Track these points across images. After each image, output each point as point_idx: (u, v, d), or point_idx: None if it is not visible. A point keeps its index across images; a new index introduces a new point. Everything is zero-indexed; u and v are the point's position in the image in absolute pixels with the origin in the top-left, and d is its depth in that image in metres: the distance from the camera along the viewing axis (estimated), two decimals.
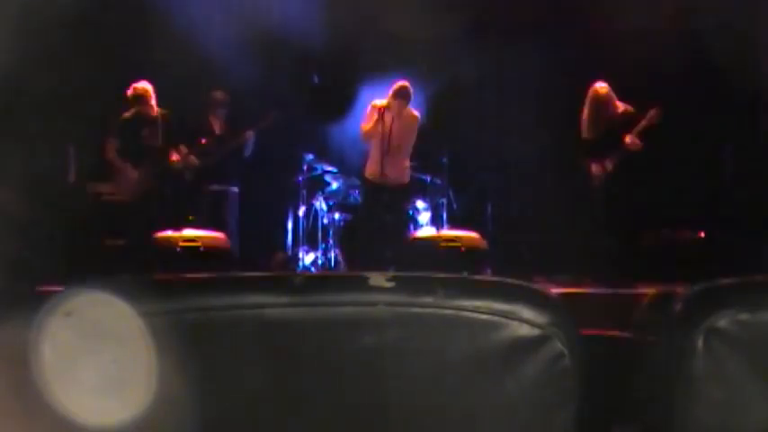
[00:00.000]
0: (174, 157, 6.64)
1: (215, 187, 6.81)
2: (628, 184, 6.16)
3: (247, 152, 6.84)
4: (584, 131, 6.28)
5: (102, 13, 7.30)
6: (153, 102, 6.49)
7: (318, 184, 7.24)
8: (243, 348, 0.84)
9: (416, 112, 6.62)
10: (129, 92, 6.46)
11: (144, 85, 6.46)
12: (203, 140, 6.77)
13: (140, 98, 6.44)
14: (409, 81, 6.51)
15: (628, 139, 6.02)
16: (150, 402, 0.80)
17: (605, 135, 6.17)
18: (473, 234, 6.41)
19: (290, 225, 7.18)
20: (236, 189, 6.91)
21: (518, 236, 7.47)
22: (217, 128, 6.90)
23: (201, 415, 0.83)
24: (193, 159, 6.73)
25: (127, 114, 6.55)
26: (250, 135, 6.75)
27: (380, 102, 6.42)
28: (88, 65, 7.07)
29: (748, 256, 6.41)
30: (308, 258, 7.03)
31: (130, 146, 6.56)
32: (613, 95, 6.17)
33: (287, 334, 0.84)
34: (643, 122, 6.03)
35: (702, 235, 6.57)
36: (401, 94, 6.40)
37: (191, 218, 6.82)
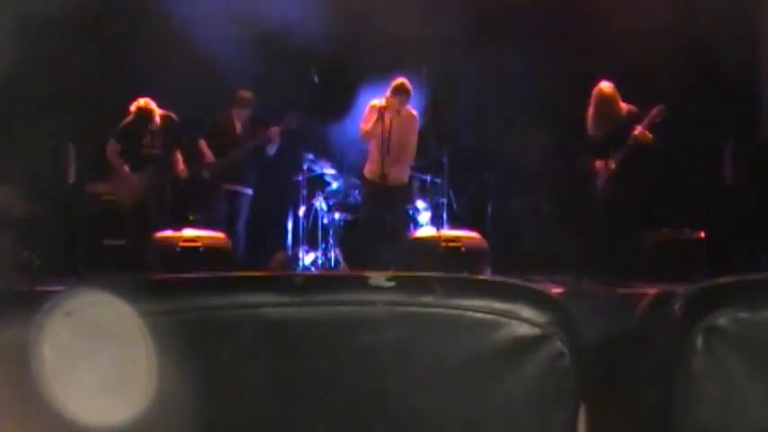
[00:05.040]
0: (179, 166, 6.64)
1: (230, 187, 6.82)
2: (629, 184, 6.16)
3: (271, 151, 6.85)
4: (588, 130, 6.29)
5: (103, 12, 7.31)
6: (156, 116, 6.48)
7: (318, 184, 7.23)
8: (243, 348, 0.84)
9: (415, 112, 6.61)
10: (132, 108, 6.46)
11: (146, 102, 6.45)
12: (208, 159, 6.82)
13: (143, 114, 6.44)
14: (409, 81, 6.51)
15: (637, 131, 6.01)
16: (150, 402, 0.80)
17: (609, 134, 6.18)
18: (473, 234, 6.41)
19: (290, 225, 7.17)
20: (249, 191, 6.91)
21: (518, 236, 7.47)
22: (238, 126, 6.91)
23: (201, 415, 0.83)
24: (211, 161, 6.76)
25: (128, 122, 6.55)
26: (275, 132, 6.74)
27: (379, 101, 6.42)
28: (88, 65, 7.07)
29: (748, 256, 6.41)
30: (308, 258, 7.03)
31: (131, 153, 6.57)
32: (618, 95, 6.17)
33: (287, 334, 0.84)
34: (646, 120, 6.03)
35: (702, 235, 6.57)
36: (400, 92, 6.39)
37: (191, 218, 6.82)
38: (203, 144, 6.85)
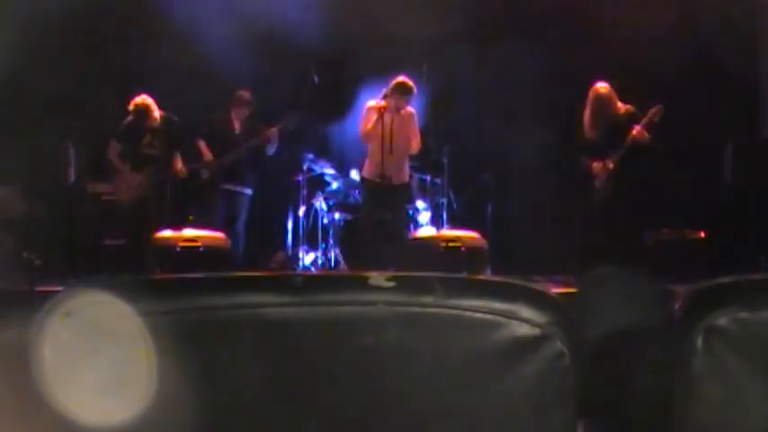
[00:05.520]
0: (178, 166, 6.64)
1: (229, 187, 6.82)
2: (628, 184, 6.16)
3: (270, 152, 6.85)
4: (586, 131, 6.29)
5: (103, 12, 7.30)
6: (155, 113, 6.48)
7: (318, 184, 7.23)
8: (243, 348, 0.84)
9: (412, 109, 6.59)
10: (130, 106, 6.45)
11: (144, 99, 6.45)
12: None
13: (141, 111, 6.43)
14: (412, 82, 6.50)
15: (635, 131, 6.02)
16: (150, 402, 0.80)
17: (607, 135, 6.18)
18: (473, 234, 6.41)
19: (290, 225, 7.17)
20: (249, 191, 6.92)
21: (518, 236, 7.47)
22: (237, 126, 6.91)
23: (201, 415, 0.83)
24: (211, 160, 6.76)
25: (128, 122, 6.55)
26: (274, 133, 6.75)
27: (378, 102, 6.41)
28: (88, 65, 7.07)
29: (748, 256, 6.41)
30: (308, 258, 7.03)
31: (131, 153, 6.57)
32: (614, 95, 6.18)
33: (287, 334, 0.84)
34: (644, 120, 6.04)
35: (702, 235, 6.57)
36: (403, 91, 6.36)
37: (190, 218, 6.82)
38: (202, 144, 6.85)
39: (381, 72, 6.62)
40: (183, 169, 6.66)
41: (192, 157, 6.84)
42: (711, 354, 0.85)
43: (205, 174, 6.81)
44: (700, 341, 0.85)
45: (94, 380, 0.81)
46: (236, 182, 6.84)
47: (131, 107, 6.45)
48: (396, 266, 6.18)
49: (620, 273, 1.18)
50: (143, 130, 6.52)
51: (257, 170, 6.96)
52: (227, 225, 6.66)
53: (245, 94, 6.88)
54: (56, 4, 5.93)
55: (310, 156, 7.11)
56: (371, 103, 6.47)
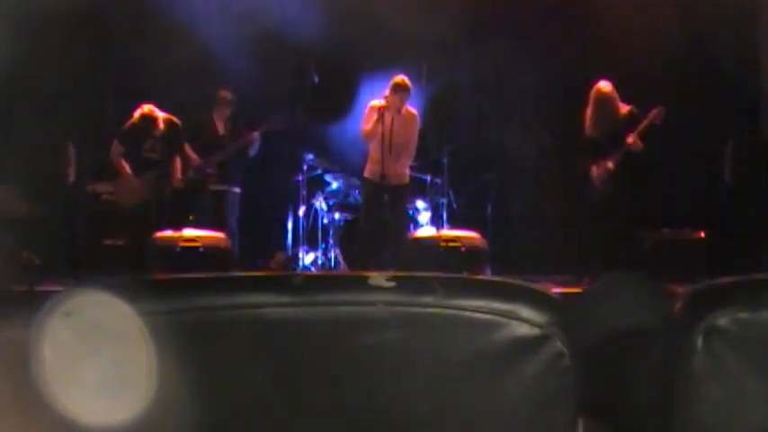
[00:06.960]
0: (177, 174, 6.64)
1: (217, 187, 6.82)
2: (628, 184, 6.16)
3: (252, 152, 6.85)
4: (588, 130, 6.28)
5: (103, 12, 7.31)
6: (160, 124, 6.48)
7: (318, 184, 7.23)
8: (243, 348, 0.84)
9: (415, 111, 6.60)
10: (137, 114, 6.45)
11: (152, 110, 6.44)
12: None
13: (147, 120, 6.43)
14: (409, 80, 6.50)
15: (630, 138, 6.04)
16: (150, 402, 0.80)
17: (608, 135, 6.18)
18: (473, 234, 6.41)
19: (290, 225, 7.17)
20: (237, 189, 6.92)
21: (518, 236, 7.47)
22: (221, 127, 6.91)
23: (201, 415, 0.83)
24: (202, 166, 6.75)
25: (131, 124, 6.55)
26: (256, 137, 6.76)
27: (379, 102, 6.41)
28: (88, 65, 7.07)
29: (748, 256, 6.41)
30: (308, 258, 7.02)
31: (132, 155, 6.57)
32: (616, 95, 6.17)
33: (287, 334, 0.84)
34: (645, 122, 6.04)
35: (702, 235, 6.57)
36: (399, 89, 6.37)
37: (190, 218, 6.82)
38: (186, 146, 6.81)
39: (381, 72, 6.63)
40: (180, 178, 6.67)
41: (183, 160, 6.83)
42: (711, 354, 0.84)
43: (193, 175, 6.78)
44: (700, 341, 0.85)
45: (94, 380, 0.81)
46: (224, 181, 6.84)
47: (138, 115, 6.44)
48: (396, 266, 6.18)
49: (623, 276, 1.19)
50: (146, 136, 6.52)
51: (243, 169, 6.96)
52: (220, 225, 6.64)
53: (227, 94, 6.87)
54: (56, 4, 5.93)
55: (310, 156, 7.11)
56: (374, 102, 6.47)
